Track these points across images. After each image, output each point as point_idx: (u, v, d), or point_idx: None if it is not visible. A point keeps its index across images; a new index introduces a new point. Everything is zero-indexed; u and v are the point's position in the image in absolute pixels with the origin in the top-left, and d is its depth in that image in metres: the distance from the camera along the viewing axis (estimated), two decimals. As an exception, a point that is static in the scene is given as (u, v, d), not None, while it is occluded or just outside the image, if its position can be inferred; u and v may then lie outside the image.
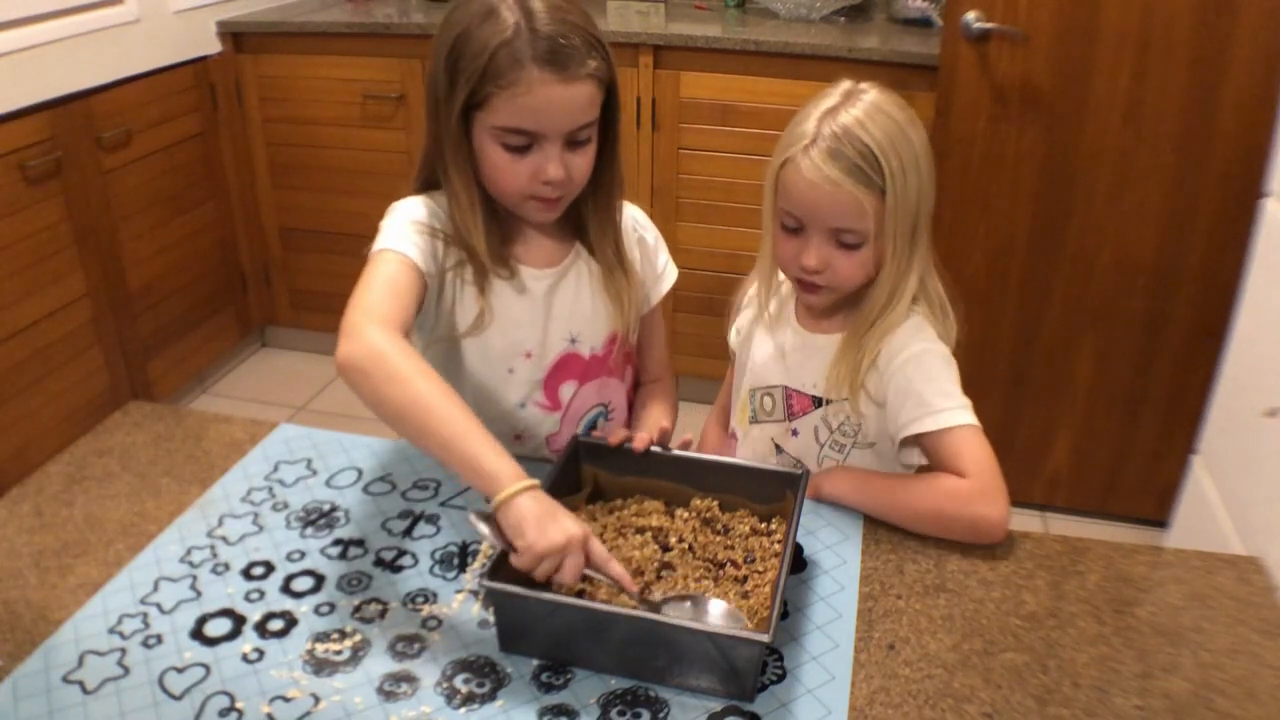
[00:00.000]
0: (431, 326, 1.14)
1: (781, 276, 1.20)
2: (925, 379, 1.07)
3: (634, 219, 1.24)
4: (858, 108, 1.04)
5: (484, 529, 0.87)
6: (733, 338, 1.32)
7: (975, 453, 1.03)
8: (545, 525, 0.84)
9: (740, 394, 1.27)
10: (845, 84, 1.08)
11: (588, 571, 0.87)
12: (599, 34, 1.04)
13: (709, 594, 0.92)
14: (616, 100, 1.09)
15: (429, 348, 1.16)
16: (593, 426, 1.24)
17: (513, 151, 1.04)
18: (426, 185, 1.14)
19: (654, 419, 1.25)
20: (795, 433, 1.18)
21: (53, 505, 1.06)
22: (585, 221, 1.17)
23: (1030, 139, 1.98)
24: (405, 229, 1.07)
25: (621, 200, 1.18)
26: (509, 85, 0.99)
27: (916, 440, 1.08)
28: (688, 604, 0.90)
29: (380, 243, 1.07)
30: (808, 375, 1.17)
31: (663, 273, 1.27)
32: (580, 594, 0.91)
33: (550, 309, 1.16)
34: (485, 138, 1.04)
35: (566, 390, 1.20)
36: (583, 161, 1.07)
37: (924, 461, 1.13)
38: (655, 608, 0.88)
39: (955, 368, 1.10)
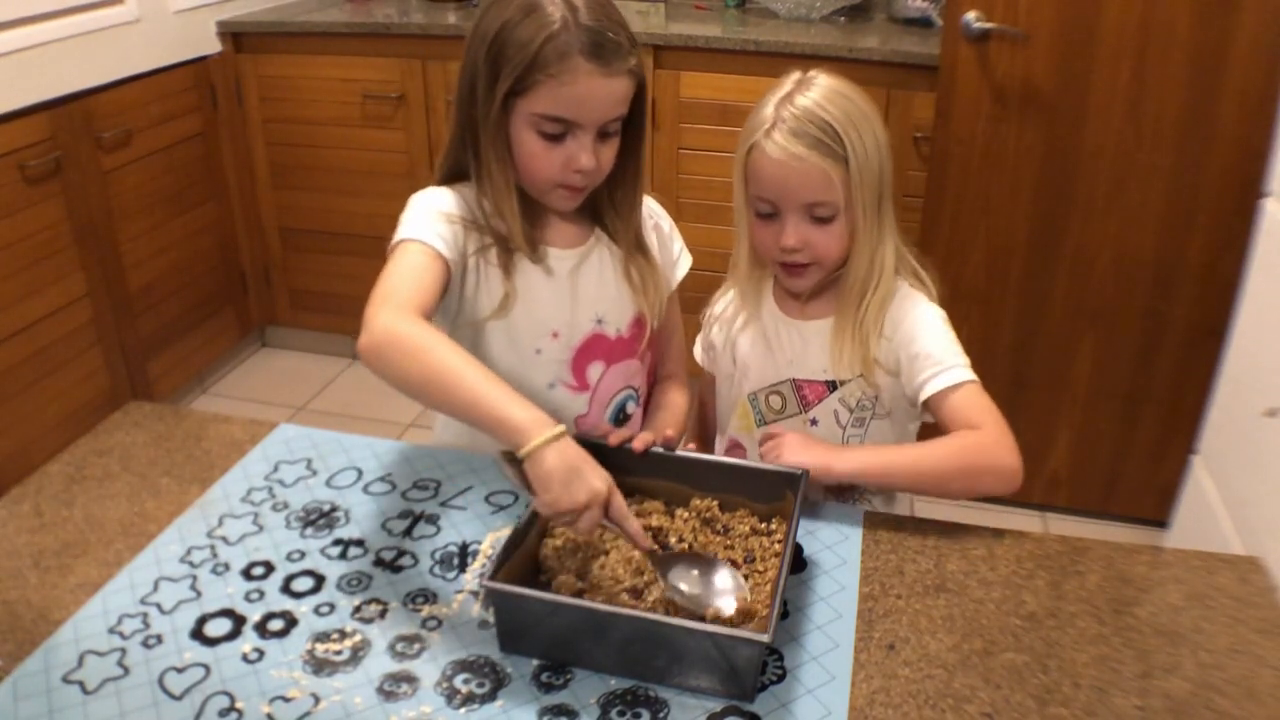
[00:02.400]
0: (455, 313, 1.15)
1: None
2: (932, 339, 1.12)
3: (649, 207, 1.26)
4: (812, 90, 1.10)
5: (509, 471, 0.90)
6: (699, 354, 1.33)
7: (984, 405, 1.09)
8: (570, 482, 0.87)
9: (734, 403, 1.27)
10: (796, 73, 1.13)
11: (607, 524, 0.90)
12: (631, 32, 1.08)
13: (717, 555, 0.96)
14: (645, 97, 1.12)
15: (454, 333, 1.17)
16: (620, 410, 1.25)
17: (547, 139, 1.07)
18: (450, 177, 1.16)
19: (661, 421, 1.26)
20: (814, 422, 1.19)
21: (53, 505, 1.06)
22: (604, 211, 1.19)
23: (1030, 139, 1.98)
24: (426, 218, 1.09)
25: (643, 193, 1.21)
26: (556, 75, 1.03)
27: (927, 401, 1.11)
28: (695, 572, 0.92)
29: (401, 233, 1.08)
30: (814, 362, 1.18)
31: (678, 259, 1.30)
32: (580, 594, 0.91)
33: (575, 289, 1.18)
34: (522, 125, 1.07)
35: (594, 371, 1.21)
36: (610, 153, 1.11)
37: (926, 419, 1.16)
38: (665, 567, 0.91)
39: (949, 324, 1.15)
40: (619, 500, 0.90)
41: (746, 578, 0.94)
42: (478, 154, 1.11)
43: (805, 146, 1.07)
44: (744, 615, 0.89)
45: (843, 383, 1.17)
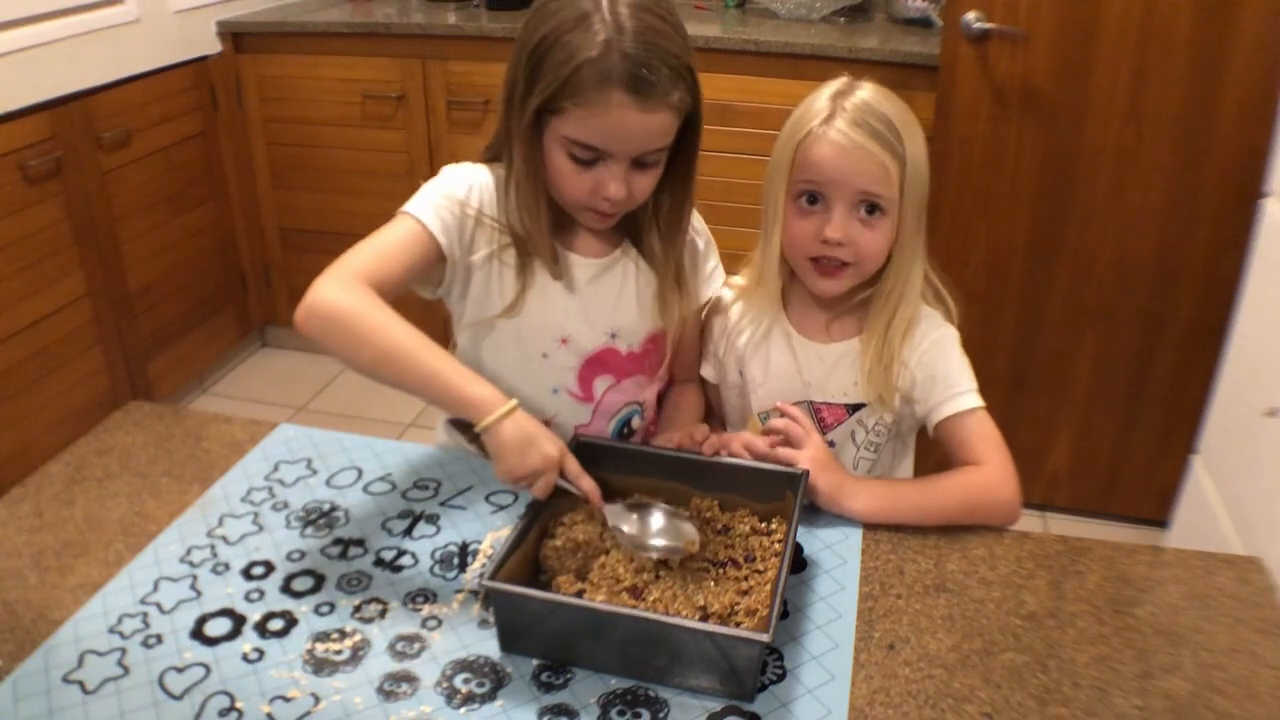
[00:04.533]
0: (462, 310, 1.15)
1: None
2: (947, 362, 1.12)
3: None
4: (864, 90, 1.09)
5: (460, 439, 0.98)
6: (709, 372, 1.28)
7: (990, 436, 1.09)
8: (524, 451, 0.94)
9: (741, 416, 1.25)
10: (843, 76, 1.11)
11: (562, 483, 0.96)
12: (688, 60, 1.02)
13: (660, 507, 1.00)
14: (698, 128, 1.08)
15: (463, 331, 1.17)
16: (625, 424, 1.23)
17: (578, 163, 1.03)
18: (495, 158, 1.13)
19: (680, 424, 1.23)
20: (831, 444, 1.17)
21: (53, 505, 1.06)
22: (647, 234, 1.15)
23: (1030, 139, 1.98)
24: (438, 198, 1.08)
25: (689, 222, 1.17)
26: (587, 104, 0.98)
27: (938, 423, 1.11)
28: (634, 516, 0.97)
29: (408, 204, 1.08)
30: (834, 386, 1.16)
31: (709, 276, 1.25)
32: (580, 594, 0.91)
33: (591, 299, 1.15)
34: (554, 143, 1.03)
35: (600, 384, 1.18)
36: (646, 182, 1.07)
37: (928, 434, 1.16)
38: (616, 517, 0.96)
39: (961, 346, 1.14)
40: (572, 463, 0.97)
41: (746, 578, 0.94)
42: (510, 158, 1.08)
43: (866, 136, 1.04)
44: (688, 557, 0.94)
45: (864, 406, 1.16)
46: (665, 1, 1.03)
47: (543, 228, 1.09)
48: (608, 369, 1.18)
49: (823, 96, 1.09)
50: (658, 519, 0.97)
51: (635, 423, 1.24)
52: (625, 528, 0.95)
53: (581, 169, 1.03)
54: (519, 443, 0.93)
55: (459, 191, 1.09)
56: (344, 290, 0.98)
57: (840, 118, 1.06)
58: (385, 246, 1.05)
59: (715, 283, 1.26)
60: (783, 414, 1.12)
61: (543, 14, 1.01)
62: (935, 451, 1.19)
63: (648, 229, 1.15)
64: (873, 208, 1.08)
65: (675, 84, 1.00)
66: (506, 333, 1.14)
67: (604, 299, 1.16)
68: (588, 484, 0.97)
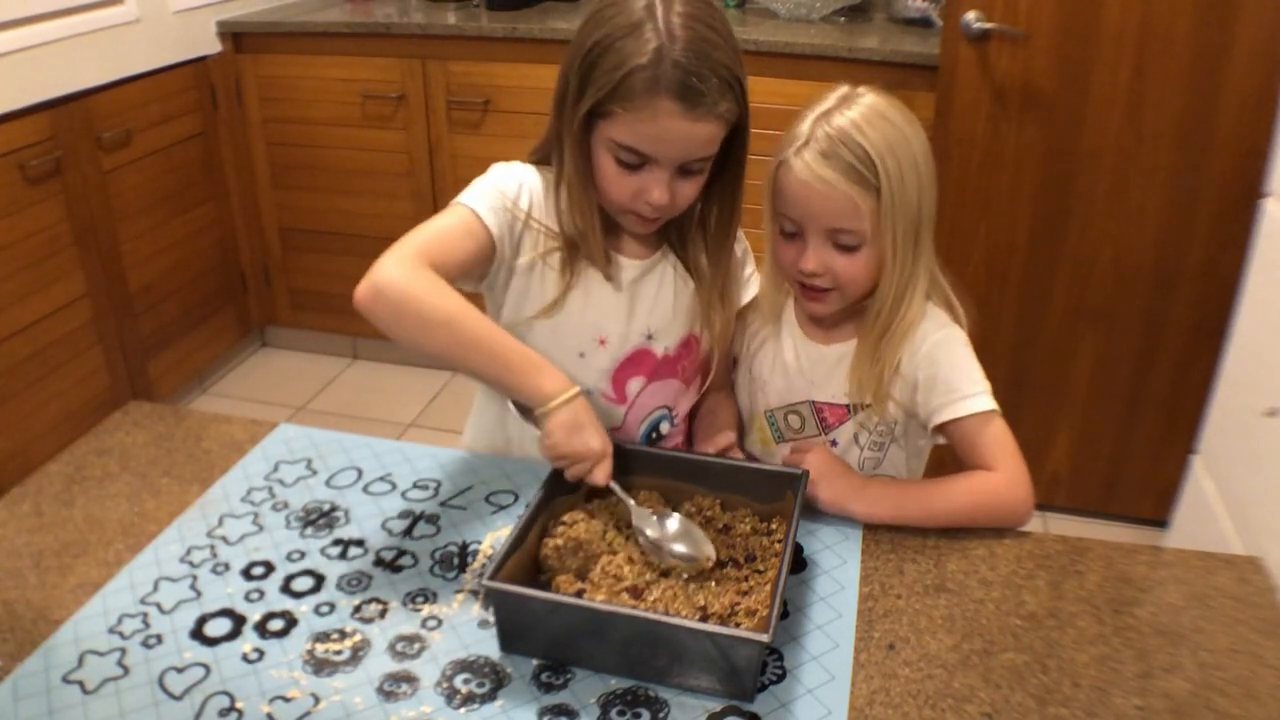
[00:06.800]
0: (500, 302, 1.14)
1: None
2: (950, 364, 1.10)
3: None
4: (854, 110, 1.05)
5: (515, 411, 1.03)
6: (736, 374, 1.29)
7: (999, 440, 1.07)
8: (571, 436, 0.99)
9: (751, 416, 1.25)
10: (843, 88, 1.09)
11: (614, 486, 1.00)
12: (739, 71, 1.03)
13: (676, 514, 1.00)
14: (745, 138, 1.08)
15: (501, 325, 1.16)
16: (654, 429, 1.22)
17: (623, 166, 1.03)
18: (542, 160, 1.14)
19: (719, 430, 1.23)
20: (834, 443, 1.17)
21: (53, 505, 1.06)
22: (692, 245, 1.15)
23: (1030, 139, 1.98)
24: (493, 195, 1.08)
25: (736, 236, 1.17)
26: (635, 109, 0.98)
27: (942, 426, 1.10)
28: (655, 517, 0.98)
29: (461, 195, 1.08)
30: (835, 386, 1.16)
31: (745, 284, 1.26)
32: (580, 594, 0.91)
33: (631, 300, 1.15)
34: (601, 146, 1.04)
35: (634, 385, 1.18)
36: (690, 189, 1.07)
37: (939, 441, 1.15)
38: (640, 517, 0.98)
39: (972, 349, 1.13)
40: (607, 465, 1.00)
41: (746, 578, 0.94)
42: (560, 159, 1.08)
43: (834, 170, 1.02)
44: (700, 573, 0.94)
45: (863, 408, 1.15)
46: (718, 14, 1.05)
47: (595, 228, 1.09)
48: (642, 370, 1.18)
49: (808, 118, 1.06)
50: (675, 525, 0.97)
51: (664, 427, 1.23)
52: (649, 531, 0.96)
53: (626, 173, 1.04)
54: (568, 427, 0.98)
55: (510, 191, 1.09)
56: (413, 273, 0.99)
57: (810, 149, 1.04)
58: (444, 232, 1.05)
59: (750, 289, 1.26)
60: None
61: (597, 20, 1.02)
62: (953, 464, 1.19)
63: (694, 240, 1.15)
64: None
65: (724, 94, 1.00)
66: (544, 331, 1.13)
67: (643, 300, 1.16)
68: (620, 492, 1.00)
